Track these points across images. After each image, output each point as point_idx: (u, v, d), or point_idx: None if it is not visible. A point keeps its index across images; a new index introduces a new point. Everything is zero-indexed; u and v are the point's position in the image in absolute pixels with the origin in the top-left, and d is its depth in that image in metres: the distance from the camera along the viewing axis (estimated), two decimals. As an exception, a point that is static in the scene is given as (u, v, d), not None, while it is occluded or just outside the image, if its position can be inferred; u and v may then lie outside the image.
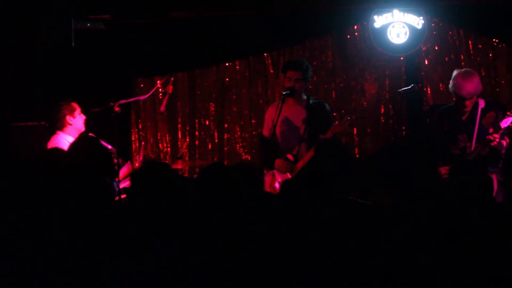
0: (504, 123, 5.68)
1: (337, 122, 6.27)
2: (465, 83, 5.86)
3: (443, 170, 5.59)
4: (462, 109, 5.93)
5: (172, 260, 3.04)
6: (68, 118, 6.04)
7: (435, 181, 3.09)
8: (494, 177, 5.53)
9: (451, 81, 5.99)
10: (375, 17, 7.41)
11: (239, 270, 3.00)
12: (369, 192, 3.42)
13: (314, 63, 7.56)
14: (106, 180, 3.26)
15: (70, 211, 3.12)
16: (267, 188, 5.83)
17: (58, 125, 6.06)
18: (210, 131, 7.97)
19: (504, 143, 5.75)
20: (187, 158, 7.84)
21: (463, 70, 6.04)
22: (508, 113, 5.73)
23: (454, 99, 6.02)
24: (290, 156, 5.98)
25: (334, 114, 7.54)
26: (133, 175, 3.45)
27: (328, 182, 3.35)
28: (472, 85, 5.87)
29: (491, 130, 5.72)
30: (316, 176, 3.34)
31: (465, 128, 5.90)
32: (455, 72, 5.99)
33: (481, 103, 5.89)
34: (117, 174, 5.81)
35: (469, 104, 5.91)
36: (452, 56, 7.52)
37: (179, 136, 7.99)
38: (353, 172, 3.70)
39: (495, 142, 5.67)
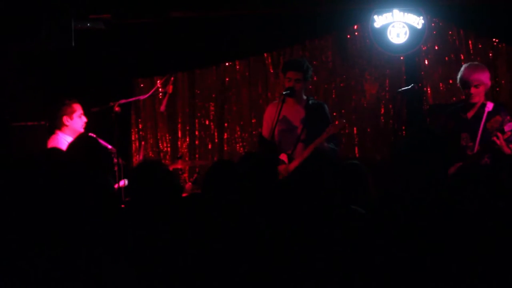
0: (508, 127, 5.52)
1: (336, 122, 6.19)
2: (472, 70, 5.69)
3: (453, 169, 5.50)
4: (468, 107, 5.76)
5: (171, 259, 3.04)
6: (65, 118, 6.05)
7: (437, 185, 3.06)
8: None
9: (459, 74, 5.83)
10: (375, 17, 7.41)
11: (241, 269, 3.00)
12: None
13: (314, 63, 7.56)
14: (106, 180, 3.26)
15: (69, 211, 3.12)
16: None
17: (56, 124, 6.08)
18: (210, 131, 7.97)
19: (509, 150, 5.51)
20: (187, 158, 7.84)
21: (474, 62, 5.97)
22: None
23: (462, 97, 5.93)
24: (284, 156, 5.96)
25: (334, 114, 7.55)
26: (131, 175, 3.46)
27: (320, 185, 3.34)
28: (480, 74, 5.68)
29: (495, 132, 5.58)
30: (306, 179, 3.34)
31: (468, 127, 5.75)
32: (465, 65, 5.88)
33: (489, 106, 5.70)
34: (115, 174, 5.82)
35: (477, 101, 5.71)
36: (452, 56, 7.52)
37: (179, 136, 7.99)
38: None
39: (499, 142, 5.50)
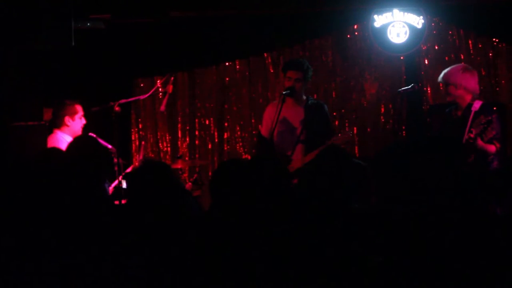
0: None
1: (339, 134, 6.17)
2: (445, 71, 5.67)
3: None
4: (458, 107, 5.68)
5: (171, 260, 3.04)
6: (66, 119, 6.05)
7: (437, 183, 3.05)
8: None
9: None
10: (375, 16, 7.42)
11: (241, 271, 3.00)
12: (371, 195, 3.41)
13: (314, 63, 7.56)
14: (104, 180, 3.27)
15: (67, 211, 3.12)
16: None
17: (56, 123, 6.08)
18: (210, 131, 7.98)
19: (492, 148, 5.40)
20: (187, 157, 7.85)
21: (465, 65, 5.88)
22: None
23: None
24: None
25: (334, 114, 7.56)
26: (131, 175, 3.46)
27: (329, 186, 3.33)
28: (449, 75, 5.56)
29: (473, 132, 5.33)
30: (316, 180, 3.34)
31: (456, 127, 5.61)
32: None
33: (476, 106, 5.52)
34: (115, 173, 5.82)
35: (450, 100, 5.66)
36: (452, 55, 7.52)
37: (179, 135, 8.00)
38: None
39: (473, 141, 5.27)
